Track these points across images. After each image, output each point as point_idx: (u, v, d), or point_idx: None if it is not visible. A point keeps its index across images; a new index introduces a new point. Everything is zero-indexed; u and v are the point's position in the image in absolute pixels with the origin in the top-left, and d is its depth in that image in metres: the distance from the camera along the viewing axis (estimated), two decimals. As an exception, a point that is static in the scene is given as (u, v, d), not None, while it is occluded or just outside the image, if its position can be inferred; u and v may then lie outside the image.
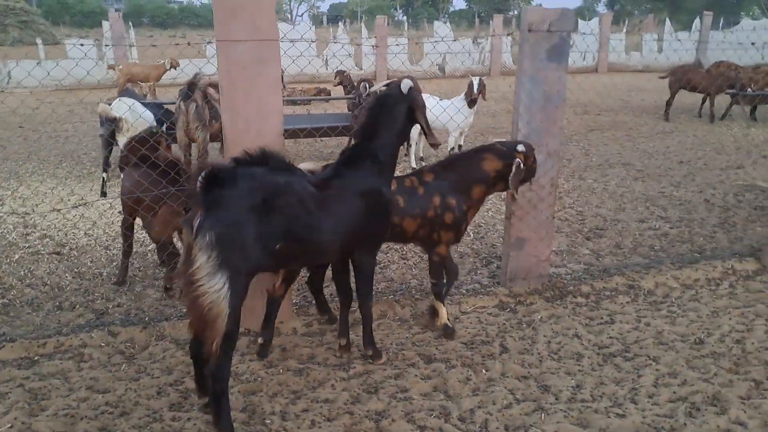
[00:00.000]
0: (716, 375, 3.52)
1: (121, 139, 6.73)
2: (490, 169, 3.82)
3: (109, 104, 6.87)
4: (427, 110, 7.76)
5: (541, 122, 4.24)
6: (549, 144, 4.29)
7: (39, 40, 18.00)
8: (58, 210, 5.59)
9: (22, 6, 30.18)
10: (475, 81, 8.09)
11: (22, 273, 4.86)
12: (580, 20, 24.76)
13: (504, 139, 4.10)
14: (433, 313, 4.02)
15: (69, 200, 6.80)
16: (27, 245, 5.45)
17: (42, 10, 39.62)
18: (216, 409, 2.87)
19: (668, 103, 12.44)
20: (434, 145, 3.53)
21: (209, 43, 15.88)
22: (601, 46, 23.22)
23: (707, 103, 12.39)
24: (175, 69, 14.43)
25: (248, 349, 3.80)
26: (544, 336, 3.96)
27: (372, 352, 3.64)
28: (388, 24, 19.67)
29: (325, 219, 3.07)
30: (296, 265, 3.26)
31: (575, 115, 13.24)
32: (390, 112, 3.39)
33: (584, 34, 21.93)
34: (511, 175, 3.78)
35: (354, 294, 3.62)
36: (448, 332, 3.92)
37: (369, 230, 3.34)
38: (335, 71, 11.04)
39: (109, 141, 6.86)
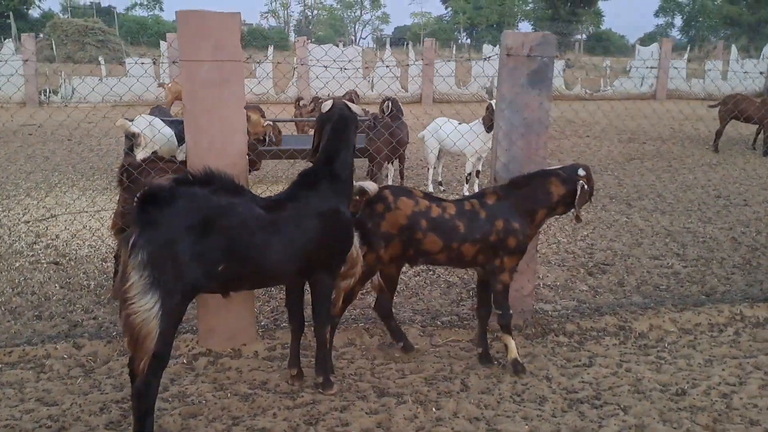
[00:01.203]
0: (688, 431, 3.24)
1: (139, 154, 6.90)
2: (555, 192, 3.72)
3: (131, 120, 7.05)
4: (445, 135, 7.70)
5: (521, 150, 4.08)
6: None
7: (101, 58, 18.87)
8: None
9: (100, 26, 31.74)
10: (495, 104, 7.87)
11: (16, 281, 5.01)
12: (639, 46, 24.12)
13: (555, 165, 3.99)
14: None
15: (87, 211, 7.01)
16: (31, 254, 5.63)
17: (122, 30, 41.70)
18: (138, 429, 2.83)
19: (718, 134, 11.88)
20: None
21: (259, 63, 16.32)
22: (661, 72, 22.50)
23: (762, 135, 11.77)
24: None
25: (204, 369, 3.76)
26: (511, 376, 3.76)
27: (323, 380, 3.53)
28: (439, 46, 19.63)
29: (273, 240, 3.03)
30: (246, 287, 3.23)
31: (619, 142, 12.83)
32: (347, 132, 3.37)
33: (643, 60, 21.31)
34: (577, 197, 3.69)
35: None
36: (518, 369, 3.74)
37: (327, 252, 3.28)
38: (312, 97, 10.85)
39: (128, 155, 7.05)
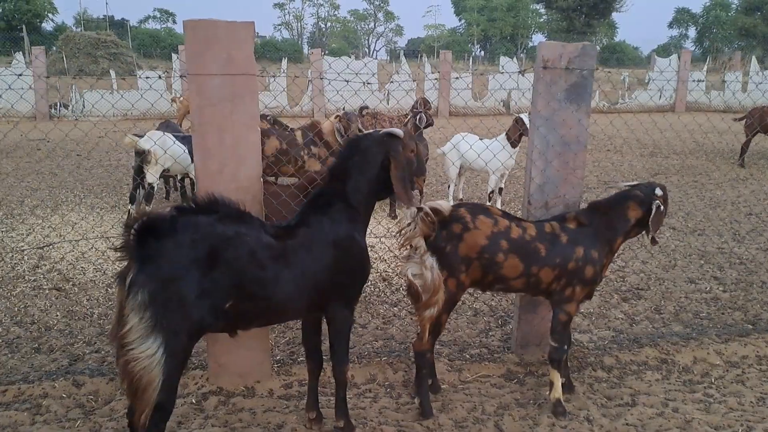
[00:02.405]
0: (749, 483, 2.91)
1: (149, 172, 6.66)
2: (633, 217, 3.51)
3: (140, 136, 6.81)
4: (468, 149, 7.38)
5: (557, 171, 3.77)
6: (567, 195, 3.80)
7: (112, 72, 18.76)
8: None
9: (113, 39, 31.78)
10: (525, 117, 7.50)
11: (16, 309, 4.74)
12: (657, 57, 23.75)
13: (631, 183, 3.72)
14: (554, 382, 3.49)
15: (93, 231, 6.75)
16: (33, 278, 5.36)
17: (135, 43, 41.84)
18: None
19: (744, 148, 11.51)
20: (406, 204, 3.12)
21: (274, 77, 16.13)
22: (680, 85, 22.12)
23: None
24: None
25: (215, 411, 3.46)
26: (549, 417, 3.43)
27: (344, 424, 3.21)
28: (453, 59, 19.38)
29: (284, 272, 2.74)
30: (256, 324, 2.92)
31: (641, 157, 12.47)
32: (363, 155, 3.04)
33: (661, 71, 20.95)
34: (652, 218, 3.47)
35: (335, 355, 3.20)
36: (559, 410, 3.43)
37: (342, 283, 2.96)
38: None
39: (137, 175, 6.80)
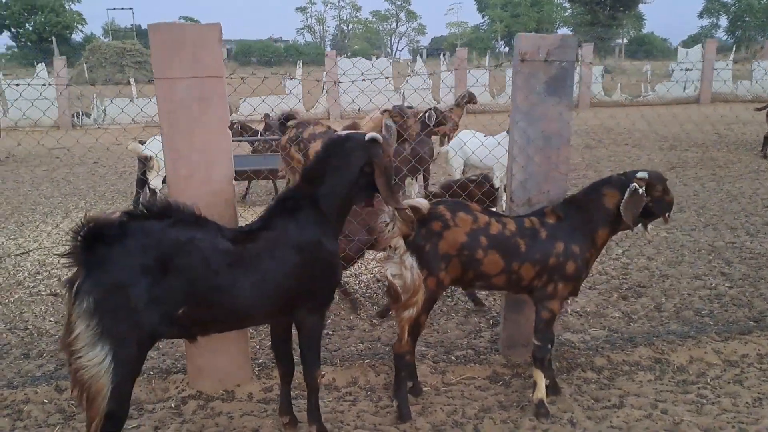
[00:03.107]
0: (734, 488, 2.78)
1: (152, 177, 6.71)
2: (611, 205, 3.31)
3: (144, 142, 6.87)
4: (470, 148, 7.25)
5: (539, 166, 3.67)
6: (551, 192, 3.69)
7: (132, 79, 19.03)
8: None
9: (138, 48, 32.33)
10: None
11: (12, 315, 4.80)
12: (681, 48, 23.22)
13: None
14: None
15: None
16: (32, 284, 5.43)
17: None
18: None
19: (766, 138, 11.15)
20: (396, 209, 3.05)
21: (290, 77, 16.17)
22: (704, 75, 21.57)
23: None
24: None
25: (193, 415, 3.44)
26: (531, 420, 3.33)
27: (316, 429, 3.17)
28: (477, 56, 19.19)
29: (242, 278, 2.69)
30: (214, 330, 2.88)
31: (660, 150, 12.19)
32: (344, 159, 2.95)
33: (685, 63, 20.47)
34: (624, 201, 3.23)
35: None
36: (541, 411, 3.33)
37: (309, 288, 2.90)
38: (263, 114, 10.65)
39: (142, 180, 6.86)
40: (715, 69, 21.60)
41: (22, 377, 3.84)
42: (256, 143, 9.72)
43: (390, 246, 3.14)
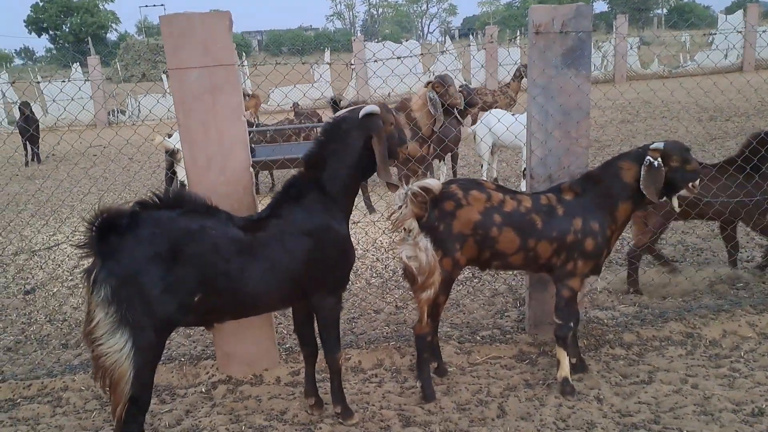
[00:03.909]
0: (765, 462, 2.72)
1: (179, 169, 6.82)
2: (630, 179, 3.22)
3: (170, 136, 6.98)
4: (499, 128, 7.13)
5: (559, 141, 3.61)
6: (571, 166, 3.64)
7: (163, 75, 19.32)
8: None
9: (172, 43, 32.74)
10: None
11: (51, 308, 4.97)
12: (721, 15, 22.43)
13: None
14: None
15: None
16: (71, 278, 5.60)
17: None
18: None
19: (810, 104, 10.73)
20: (389, 186, 3.05)
21: (316, 64, 16.16)
22: (747, 41, 20.81)
23: None
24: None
25: (222, 399, 3.52)
26: (556, 398, 3.31)
27: (341, 409, 3.21)
28: (510, 34, 18.90)
29: (253, 265, 2.73)
30: (230, 317, 2.94)
31: (699, 122, 11.85)
32: (343, 141, 2.98)
33: (726, 30, 19.76)
34: (642, 177, 3.15)
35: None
36: (566, 389, 3.31)
37: (320, 272, 2.94)
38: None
39: (171, 174, 6.98)
40: (759, 34, 20.80)
41: (61, 366, 3.98)
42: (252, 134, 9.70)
43: (404, 228, 3.14)
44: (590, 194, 3.26)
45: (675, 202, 3.41)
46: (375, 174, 3.05)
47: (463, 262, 3.25)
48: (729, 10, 25.83)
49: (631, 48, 21.08)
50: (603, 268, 4.71)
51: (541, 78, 3.54)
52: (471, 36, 25.13)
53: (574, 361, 3.51)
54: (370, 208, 7.26)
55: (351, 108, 3.15)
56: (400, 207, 3.15)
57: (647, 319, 4.06)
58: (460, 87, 8.64)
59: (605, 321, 4.05)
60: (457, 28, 68.86)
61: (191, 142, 3.35)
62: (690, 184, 3.28)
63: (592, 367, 3.58)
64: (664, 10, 52.66)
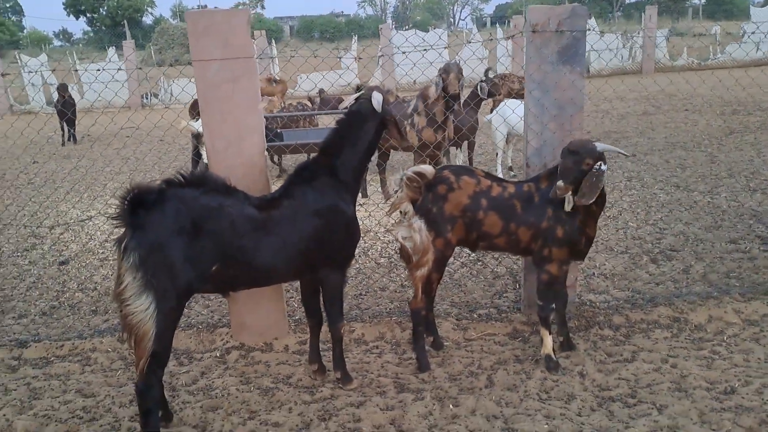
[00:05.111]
0: (728, 434, 2.94)
1: (204, 153, 7.15)
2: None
3: (197, 120, 7.31)
4: (515, 118, 7.29)
5: (553, 133, 3.83)
6: (565, 157, 3.85)
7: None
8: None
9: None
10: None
11: (82, 277, 5.35)
12: (753, 8, 22.04)
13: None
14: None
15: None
16: (102, 251, 5.99)
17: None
18: (143, 427, 2.92)
19: (834, 100, 10.67)
20: (406, 149, 3.44)
21: (343, 53, 16.45)
22: (779, 35, 20.44)
23: None
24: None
25: (235, 363, 3.84)
26: (542, 372, 3.56)
27: (341, 375, 3.51)
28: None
29: (265, 240, 3.03)
30: (244, 286, 3.25)
31: (720, 115, 11.83)
32: (359, 129, 3.30)
33: (756, 22, 19.45)
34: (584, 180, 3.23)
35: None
36: (550, 365, 3.55)
37: (328, 249, 3.24)
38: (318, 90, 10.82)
39: (196, 156, 7.32)
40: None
41: (90, 330, 4.35)
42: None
43: (400, 211, 3.42)
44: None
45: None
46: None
47: (454, 242, 3.51)
48: (762, 5, 25.30)
49: (665, 39, 20.86)
50: (624, 257, 4.89)
51: (537, 73, 3.76)
52: (497, 24, 25.00)
53: (561, 339, 3.75)
54: (364, 192, 7.56)
55: (357, 96, 3.43)
56: (396, 191, 3.44)
57: (637, 303, 4.27)
58: (482, 79, 8.82)
59: (597, 304, 4.28)
60: (489, 15, 68.31)
61: (212, 127, 3.65)
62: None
63: (579, 346, 3.81)
64: (703, 0, 51.52)
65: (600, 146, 3.26)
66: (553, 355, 3.58)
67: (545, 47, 3.71)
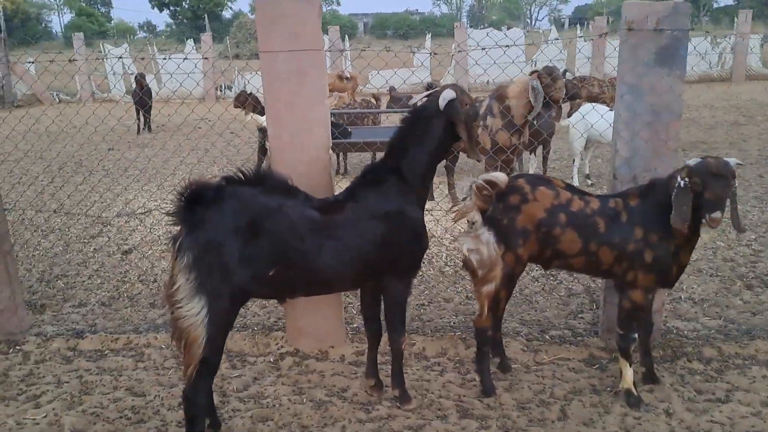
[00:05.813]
0: None
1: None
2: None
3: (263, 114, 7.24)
4: (598, 119, 6.84)
5: (646, 142, 3.46)
6: (658, 169, 3.47)
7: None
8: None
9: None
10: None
11: (144, 269, 5.30)
12: None
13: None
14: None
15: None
16: (166, 242, 5.95)
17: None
18: (188, 432, 2.77)
19: None
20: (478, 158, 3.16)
21: (416, 50, 16.18)
22: None
23: None
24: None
25: (288, 370, 3.66)
26: (622, 407, 3.20)
27: (399, 393, 3.27)
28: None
29: (327, 245, 2.82)
30: (301, 293, 3.04)
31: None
32: (424, 128, 3.02)
33: None
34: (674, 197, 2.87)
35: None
36: (631, 401, 3.19)
37: (392, 257, 3.00)
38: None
39: (263, 149, 7.25)
40: None
41: (147, 324, 4.26)
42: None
43: (467, 220, 3.13)
44: (654, 202, 3.05)
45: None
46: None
47: (526, 258, 3.19)
48: None
49: (762, 45, 19.63)
50: (713, 282, 4.44)
51: (630, 76, 3.40)
52: (578, 26, 24.18)
53: (644, 370, 3.39)
54: (430, 195, 7.21)
55: (428, 94, 3.17)
56: (464, 198, 3.15)
57: (732, 334, 3.84)
58: (576, 78, 8.37)
59: (685, 333, 3.87)
60: (568, 16, 66.58)
61: (276, 120, 3.48)
62: (708, 214, 2.86)
63: (665, 380, 3.43)
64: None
65: (732, 161, 2.87)
66: (634, 390, 3.22)
67: (641, 47, 3.34)
